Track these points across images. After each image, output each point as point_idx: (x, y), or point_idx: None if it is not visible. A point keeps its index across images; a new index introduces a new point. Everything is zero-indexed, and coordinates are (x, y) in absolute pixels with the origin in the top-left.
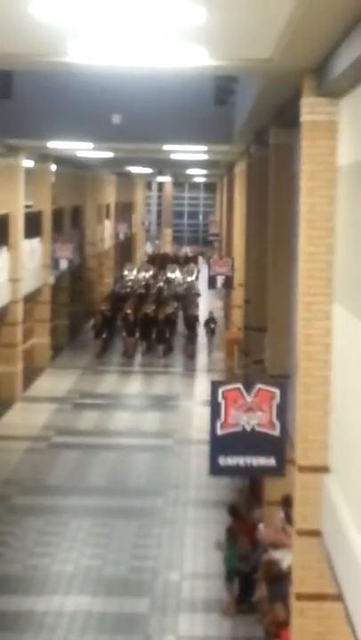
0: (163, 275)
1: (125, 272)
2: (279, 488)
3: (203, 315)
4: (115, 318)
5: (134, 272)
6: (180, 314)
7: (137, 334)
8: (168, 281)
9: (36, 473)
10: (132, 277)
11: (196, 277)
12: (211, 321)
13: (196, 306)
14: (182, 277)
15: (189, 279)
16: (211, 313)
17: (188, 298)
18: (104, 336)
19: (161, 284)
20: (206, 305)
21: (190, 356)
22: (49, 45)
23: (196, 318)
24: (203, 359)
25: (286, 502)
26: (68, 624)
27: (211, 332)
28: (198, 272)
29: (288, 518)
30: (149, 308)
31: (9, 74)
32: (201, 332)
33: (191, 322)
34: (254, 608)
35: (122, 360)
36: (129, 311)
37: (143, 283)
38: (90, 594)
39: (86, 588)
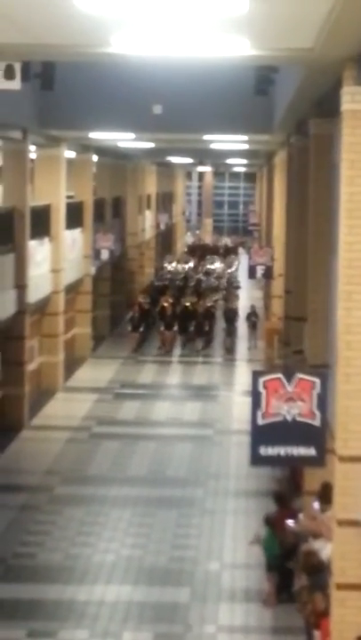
0: (202, 266)
1: (165, 264)
2: (319, 478)
3: (243, 307)
4: (153, 311)
5: (174, 264)
6: (220, 307)
7: (175, 328)
8: (208, 273)
9: (78, 463)
10: (171, 269)
11: (236, 269)
12: (253, 314)
13: (237, 298)
14: (222, 269)
15: (229, 271)
16: (253, 307)
17: (227, 290)
18: (141, 329)
19: (200, 275)
20: (246, 295)
21: (229, 350)
22: (92, 36)
23: (235, 312)
24: (243, 349)
25: (324, 492)
26: (109, 613)
27: (252, 326)
28: (238, 263)
29: (324, 508)
30: (188, 301)
31: (51, 65)
32: (241, 325)
33: (231, 315)
34: (294, 598)
35: (160, 353)
36: (166, 304)
37: (182, 275)
38: (131, 583)
39: (127, 578)
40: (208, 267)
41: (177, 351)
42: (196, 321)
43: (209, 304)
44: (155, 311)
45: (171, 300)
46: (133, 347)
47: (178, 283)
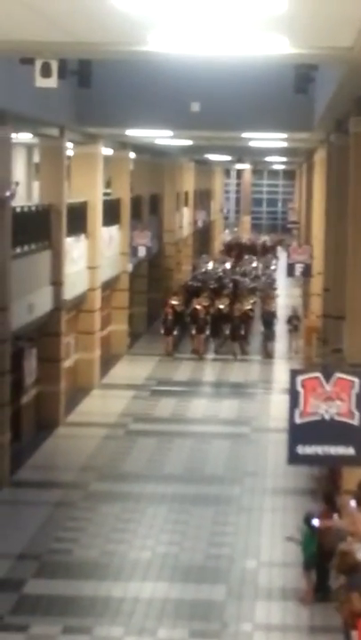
0: (240, 266)
1: (201, 264)
2: (358, 477)
3: (282, 309)
4: (186, 314)
5: (210, 264)
6: (257, 309)
7: (207, 332)
8: (245, 273)
9: (113, 460)
10: (206, 269)
11: (275, 269)
12: (294, 317)
13: (274, 301)
14: (260, 269)
15: (267, 271)
16: (294, 309)
17: (264, 292)
18: (175, 333)
19: (237, 276)
20: (285, 293)
21: (268, 355)
22: (129, 34)
23: (273, 315)
24: (281, 347)
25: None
26: (144, 610)
27: (294, 329)
28: (277, 263)
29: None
30: (223, 303)
31: (89, 63)
32: (279, 329)
33: (269, 318)
34: (331, 597)
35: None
36: (198, 307)
37: (216, 276)
38: (166, 580)
39: (163, 575)
40: (245, 267)
41: (209, 357)
42: (232, 325)
43: (246, 307)
44: (187, 314)
45: (205, 303)
46: (167, 350)
47: (213, 284)
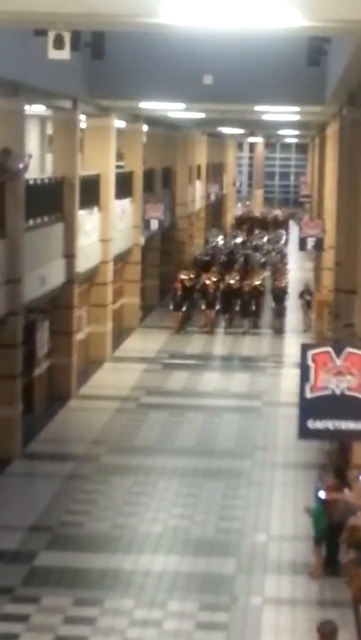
0: (251, 241)
1: (210, 238)
2: None
3: (292, 284)
4: (195, 288)
5: (220, 238)
6: (268, 284)
7: (217, 307)
8: (256, 247)
9: (125, 433)
10: (217, 243)
11: (285, 243)
12: (306, 292)
13: (285, 276)
14: (271, 244)
15: (277, 246)
16: (307, 284)
17: (275, 267)
18: (184, 308)
19: (248, 251)
20: (297, 266)
21: (278, 331)
22: (141, 6)
23: (284, 290)
24: (292, 321)
25: None
26: (155, 583)
27: (306, 305)
28: (287, 237)
29: None
30: (233, 278)
31: (102, 35)
32: (290, 304)
33: (279, 294)
34: (341, 571)
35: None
36: (208, 281)
37: (226, 250)
38: (177, 554)
39: (174, 548)
40: (256, 242)
41: (220, 332)
42: (242, 300)
43: (257, 282)
44: (197, 289)
45: (214, 278)
46: (175, 327)
47: (223, 258)
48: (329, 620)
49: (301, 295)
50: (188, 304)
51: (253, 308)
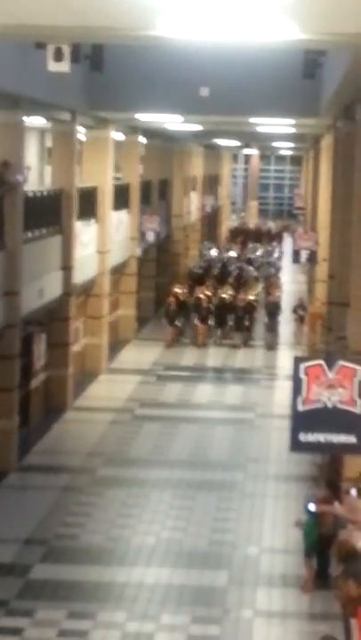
0: (245, 254)
1: (204, 251)
2: (359, 465)
3: (286, 296)
4: (189, 302)
5: (213, 251)
6: (261, 299)
7: (210, 322)
8: (250, 261)
9: (120, 445)
10: (210, 257)
11: (279, 257)
12: (300, 307)
13: (279, 290)
14: (265, 257)
15: (270, 259)
16: (300, 299)
17: (268, 281)
18: (177, 323)
19: (242, 264)
20: (290, 279)
21: (270, 347)
22: (139, 19)
23: (277, 305)
24: (286, 333)
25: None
26: (147, 596)
27: (300, 320)
28: (281, 252)
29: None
30: (226, 292)
31: (100, 47)
32: (284, 319)
33: (272, 309)
34: (332, 584)
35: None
36: (202, 295)
37: (220, 263)
38: (170, 566)
39: (166, 561)
40: (250, 255)
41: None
42: (236, 315)
43: (251, 297)
44: (191, 302)
45: (208, 292)
46: (168, 341)
47: (216, 271)
48: (330, 635)
49: (295, 310)
50: (182, 318)
51: (247, 323)
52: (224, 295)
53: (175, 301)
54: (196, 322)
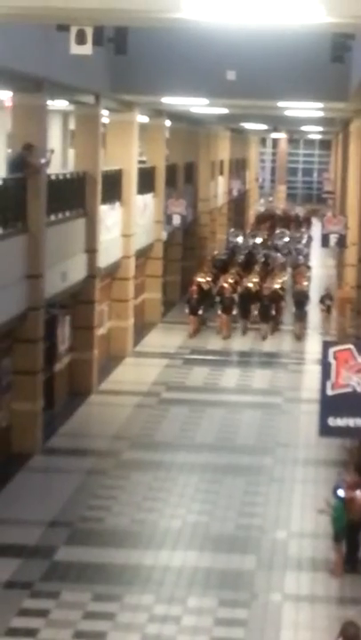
0: (272, 240)
1: (230, 238)
2: None
3: (314, 282)
4: (213, 291)
5: (240, 238)
6: (289, 288)
7: (234, 312)
8: (277, 248)
9: (146, 428)
10: (236, 244)
11: (308, 243)
12: (327, 297)
13: (306, 279)
14: (292, 244)
15: (298, 246)
16: (328, 289)
17: (297, 269)
18: (200, 312)
19: (269, 251)
20: (319, 263)
21: (298, 337)
22: (164, 1)
23: (305, 294)
24: (314, 317)
25: None
26: (174, 579)
27: (327, 310)
28: (310, 238)
29: None
30: (252, 281)
31: (125, 30)
32: (313, 309)
33: (300, 298)
34: (359, 568)
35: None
36: (226, 284)
37: (246, 250)
38: (197, 550)
39: (193, 544)
40: (277, 241)
41: (235, 344)
42: (261, 304)
43: (277, 285)
44: (215, 292)
45: (232, 280)
46: (190, 331)
47: (241, 258)
48: (352, 620)
49: (322, 300)
50: (205, 308)
51: (273, 312)
52: (250, 284)
53: (198, 290)
54: (219, 312)
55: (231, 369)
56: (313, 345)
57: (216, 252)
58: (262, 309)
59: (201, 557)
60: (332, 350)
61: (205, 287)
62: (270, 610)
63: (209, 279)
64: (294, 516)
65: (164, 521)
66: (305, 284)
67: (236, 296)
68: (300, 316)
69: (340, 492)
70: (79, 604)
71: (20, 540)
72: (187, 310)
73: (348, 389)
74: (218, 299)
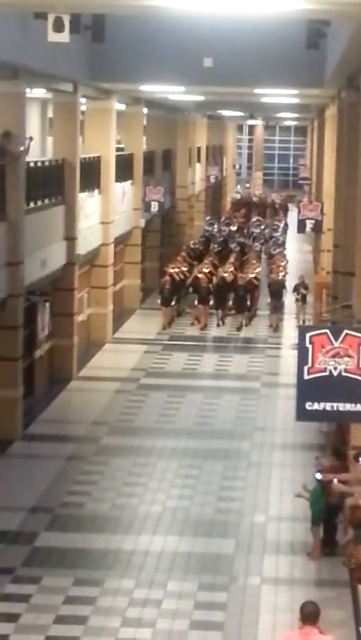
0: (248, 228)
1: (205, 227)
2: None
3: (290, 275)
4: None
5: (214, 228)
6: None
7: (210, 302)
8: (254, 236)
9: (125, 414)
10: (210, 232)
11: (284, 231)
12: (301, 285)
13: (283, 268)
14: (268, 232)
15: (276, 234)
16: (302, 277)
17: (272, 258)
18: (173, 304)
19: (244, 239)
20: (295, 248)
21: (275, 328)
22: None
23: (281, 284)
24: (291, 303)
25: None
26: (154, 563)
27: (302, 300)
28: (287, 225)
29: None
30: (227, 271)
31: (102, 18)
32: (289, 300)
33: (276, 288)
34: (338, 551)
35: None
36: (201, 275)
37: (220, 238)
38: (176, 534)
39: (173, 529)
40: (253, 229)
41: (212, 331)
42: (236, 294)
43: (252, 275)
44: (188, 283)
45: (207, 270)
46: (164, 323)
47: (216, 247)
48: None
49: (296, 289)
50: (178, 299)
51: (248, 302)
52: (225, 274)
53: (170, 281)
54: (196, 303)
55: (209, 354)
56: (290, 330)
57: (192, 242)
58: (237, 300)
59: (181, 542)
60: (308, 335)
61: (178, 278)
62: (249, 593)
63: (184, 269)
64: (273, 500)
65: (143, 506)
66: (281, 273)
67: (211, 286)
68: (276, 307)
69: (318, 476)
70: (60, 589)
71: (1, 525)
72: (159, 301)
73: (325, 373)
74: (191, 289)
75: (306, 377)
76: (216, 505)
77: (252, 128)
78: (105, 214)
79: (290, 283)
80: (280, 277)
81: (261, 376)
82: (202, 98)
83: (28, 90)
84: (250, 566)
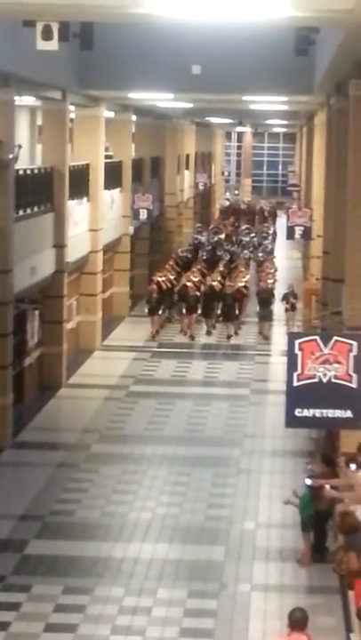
0: (237, 235)
1: (194, 235)
2: (356, 440)
3: (279, 283)
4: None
5: (202, 237)
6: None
7: (198, 311)
8: (243, 245)
9: (115, 421)
10: (199, 240)
11: (273, 239)
12: (290, 294)
13: (272, 276)
14: (257, 240)
15: (265, 242)
16: (291, 286)
17: (261, 267)
18: (160, 312)
19: (233, 247)
20: (284, 255)
21: (265, 337)
22: None
23: (270, 292)
24: (280, 310)
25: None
26: (144, 571)
27: (291, 308)
28: (275, 233)
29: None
30: (215, 279)
31: (91, 26)
32: (278, 307)
33: (265, 296)
34: (328, 558)
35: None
36: (189, 283)
37: (209, 247)
38: (166, 541)
39: (163, 536)
40: (242, 237)
41: (200, 339)
42: (224, 303)
43: (240, 284)
44: (176, 291)
45: (195, 278)
46: (152, 332)
47: (205, 255)
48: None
49: (285, 298)
50: (165, 308)
51: (237, 312)
52: (213, 282)
53: (157, 289)
54: (184, 312)
55: (199, 361)
56: (279, 337)
57: (180, 250)
58: (225, 309)
59: (170, 549)
60: (297, 341)
61: (165, 286)
62: (239, 600)
63: (171, 277)
64: (262, 507)
65: (133, 513)
66: (270, 281)
67: (199, 294)
68: (265, 315)
69: (308, 481)
70: (50, 597)
71: None
72: (146, 310)
73: (315, 380)
74: (176, 297)
75: (295, 383)
76: (206, 512)
77: (240, 135)
78: (94, 222)
79: (279, 290)
80: (269, 285)
81: (251, 383)
82: (190, 105)
83: (17, 97)
84: (240, 573)
